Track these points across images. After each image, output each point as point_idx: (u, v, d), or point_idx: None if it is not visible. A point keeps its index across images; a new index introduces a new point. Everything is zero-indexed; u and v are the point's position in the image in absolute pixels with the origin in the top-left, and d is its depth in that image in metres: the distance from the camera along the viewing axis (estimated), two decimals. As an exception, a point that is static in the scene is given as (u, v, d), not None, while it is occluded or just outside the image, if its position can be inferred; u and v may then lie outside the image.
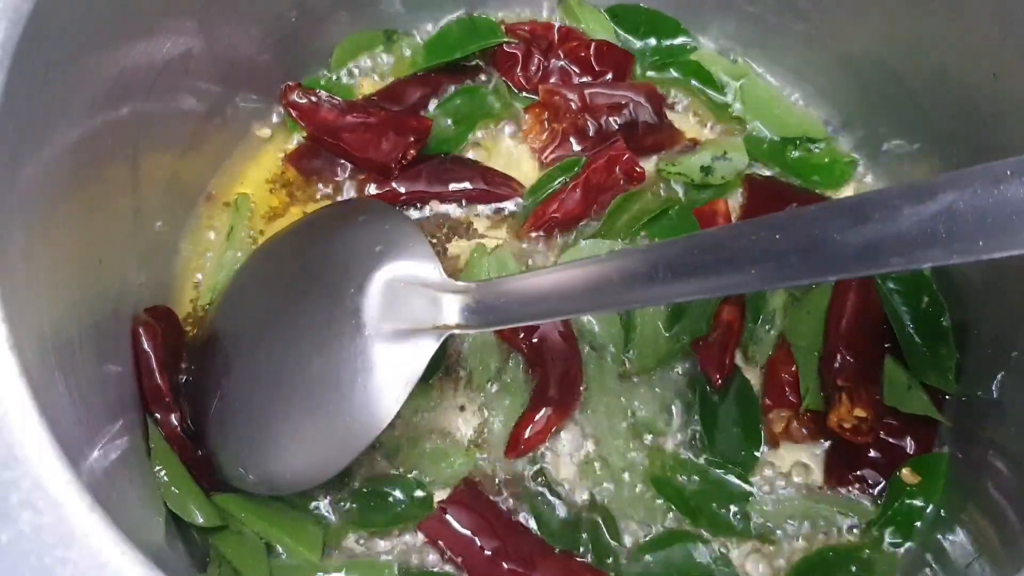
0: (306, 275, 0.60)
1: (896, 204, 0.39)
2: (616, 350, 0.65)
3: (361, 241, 0.58)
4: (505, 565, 0.58)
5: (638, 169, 0.70)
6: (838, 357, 0.63)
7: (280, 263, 0.63)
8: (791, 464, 0.64)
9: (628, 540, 0.61)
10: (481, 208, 0.72)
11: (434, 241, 0.70)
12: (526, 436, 0.62)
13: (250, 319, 0.61)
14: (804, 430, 0.64)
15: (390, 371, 0.54)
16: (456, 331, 0.54)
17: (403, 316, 0.54)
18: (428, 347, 0.54)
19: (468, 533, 0.59)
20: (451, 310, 0.53)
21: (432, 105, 0.75)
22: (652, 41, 0.77)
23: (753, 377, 0.66)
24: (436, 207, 0.71)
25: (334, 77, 0.76)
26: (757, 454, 0.64)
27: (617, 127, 0.72)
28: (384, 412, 0.53)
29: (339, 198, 0.71)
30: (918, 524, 0.61)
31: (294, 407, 0.56)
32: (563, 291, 0.49)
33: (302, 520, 0.59)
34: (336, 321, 0.55)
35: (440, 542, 0.59)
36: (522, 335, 0.64)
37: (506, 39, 0.75)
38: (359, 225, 0.60)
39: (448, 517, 0.59)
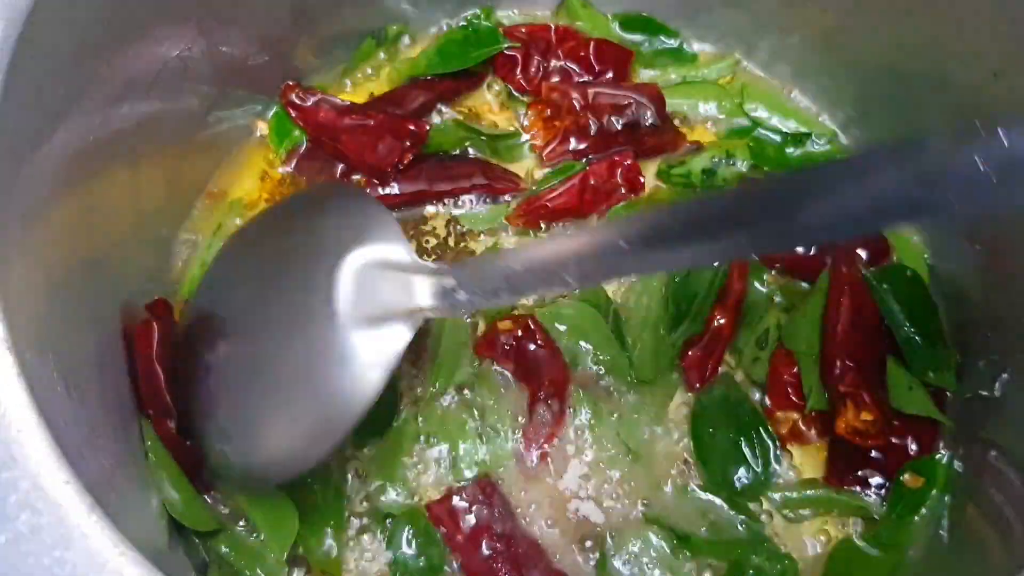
0: (278, 262, 0.59)
1: (878, 166, 0.39)
2: (611, 366, 0.65)
3: (329, 226, 0.57)
4: (499, 567, 0.58)
5: (641, 179, 0.70)
6: (837, 364, 0.62)
7: (252, 251, 0.62)
8: (794, 465, 0.64)
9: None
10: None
11: (447, 238, 0.70)
12: (534, 452, 0.62)
13: (226, 308, 0.60)
14: (811, 431, 0.64)
15: (366, 358, 0.52)
16: (431, 315, 0.53)
17: (375, 301, 0.53)
18: (404, 332, 0.53)
19: (472, 526, 0.59)
20: (423, 293, 0.52)
21: (434, 115, 0.75)
22: (654, 42, 0.78)
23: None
24: (439, 206, 0.71)
25: (334, 79, 0.76)
26: (770, 470, 0.63)
27: (619, 127, 0.72)
28: (361, 399, 0.52)
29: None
30: (919, 525, 0.61)
31: (272, 396, 0.55)
32: (540, 267, 0.48)
33: (282, 510, 0.59)
34: (309, 308, 0.54)
35: (442, 528, 0.59)
36: (502, 349, 0.64)
37: (507, 44, 0.75)
38: (326, 210, 0.59)
39: (457, 503, 0.59)
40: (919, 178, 0.38)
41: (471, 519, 0.59)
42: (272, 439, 0.55)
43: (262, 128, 0.73)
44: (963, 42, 0.61)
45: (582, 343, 0.66)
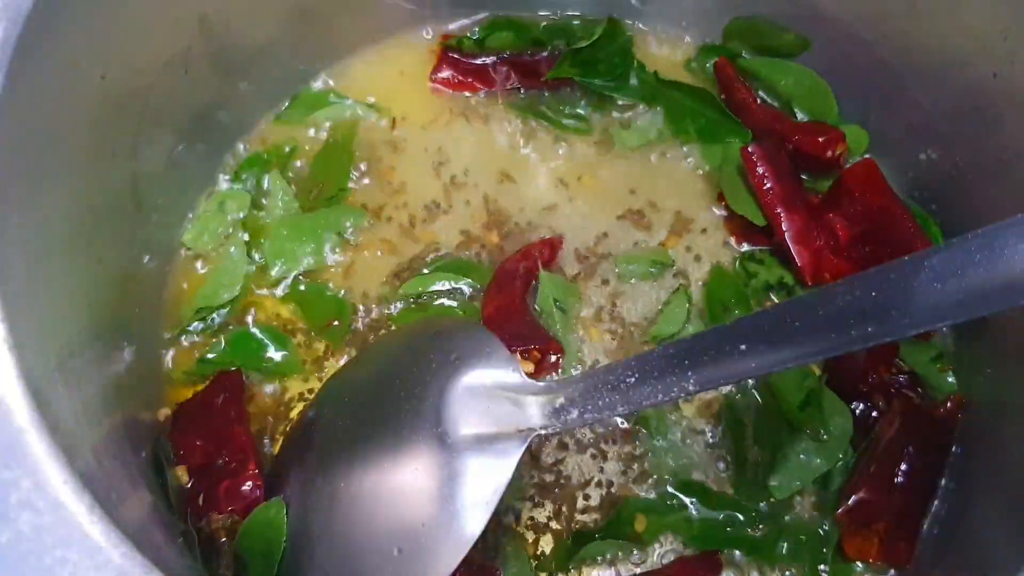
0: (385, 388, 0.58)
1: (998, 244, 0.38)
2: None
3: (438, 352, 0.56)
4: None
5: None
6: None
7: (360, 379, 0.62)
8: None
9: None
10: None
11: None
12: None
13: (334, 436, 0.59)
14: None
15: (477, 480, 0.51)
16: (542, 432, 0.51)
17: (485, 421, 0.52)
18: (514, 452, 0.51)
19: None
20: (534, 412, 0.51)
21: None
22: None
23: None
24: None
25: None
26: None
27: None
28: (473, 524, 0.50)
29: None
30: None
31: (377, 524, 0.53)
32: (655, 376, 0.48)
33: None
34: (416, 430, 0.53)
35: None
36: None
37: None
38: (436, 337, 0.59)
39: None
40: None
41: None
42: (377, 568, 0.52)
43: (265, 125, 0.73)
44: (963, 42, 0.61)
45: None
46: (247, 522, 0.56)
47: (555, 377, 0.65)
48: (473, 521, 0.50)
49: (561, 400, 0.51)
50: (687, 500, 0.62)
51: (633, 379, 0.48)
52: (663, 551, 0.61)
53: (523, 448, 0.51)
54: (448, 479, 0.51)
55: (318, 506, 0.55)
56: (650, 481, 0.63)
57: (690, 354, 0.47)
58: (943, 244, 0.41)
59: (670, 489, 0.62)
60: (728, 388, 0.65)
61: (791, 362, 0.44)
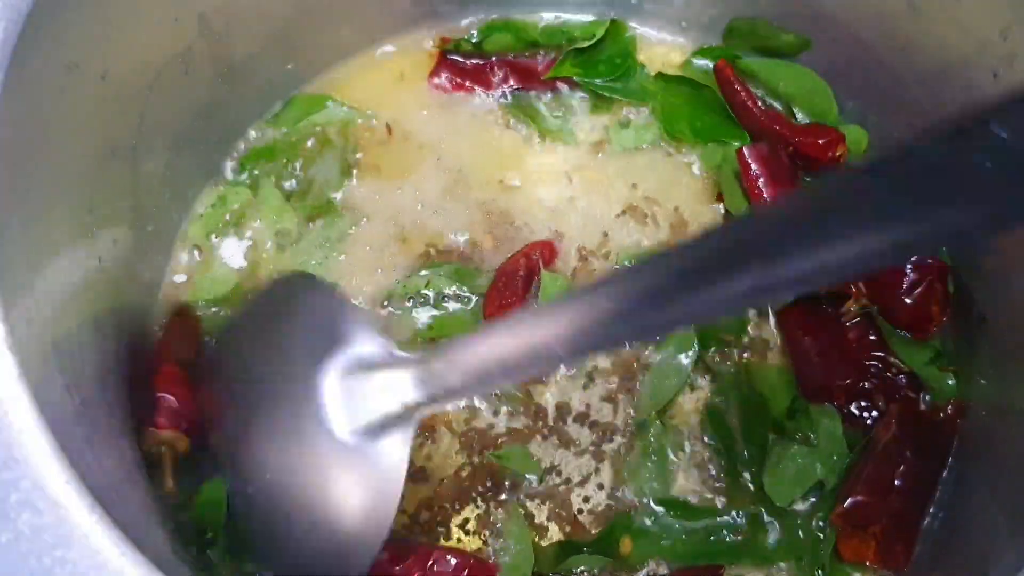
0: (262, 380, 0.55)
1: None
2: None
3: (302, 332, 0.53)
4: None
5: None
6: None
7: (233, 373, 0.58)
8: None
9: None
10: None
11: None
12: None
13: (226, 432, 0.57)
14: None
15: (375, 471, 0.49)
16: (428, 409, 0.48)
17: (366, 408, 0.49)
18: (406, 431, 0.48)
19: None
20: (410, 386, 0.47)
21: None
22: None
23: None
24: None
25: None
26: None
27: None
28: (384, 514, 0.49)
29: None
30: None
31: (295, 526, 0.51)
32: (528, 344, 0.43)
33: None
34: (304, 428, 0.51)
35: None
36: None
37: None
38: (297, 315, 0.55)
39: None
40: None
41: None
42: (303, 567, 0.52)
43: (264, 125, 0.73)
44: (963, 42, 0.61)
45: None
46: (199, 500, 0.56)
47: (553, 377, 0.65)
48: (383, 512, 0.49)
49: (438, 367, 0.47)
50: (667, 515, 0.61)
51: (511, 347, 0.44)
52: (651, 571, 0.60)
53: (413, 428, 0.49)
54: (346, 472, 0.49)
55: (243, 473, 0.54)
56: (642, 489, 0.62)
57: (565, 320, 0.41)
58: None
59: (651, 505, 0.62)
60: (709, 391, 0.65)
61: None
